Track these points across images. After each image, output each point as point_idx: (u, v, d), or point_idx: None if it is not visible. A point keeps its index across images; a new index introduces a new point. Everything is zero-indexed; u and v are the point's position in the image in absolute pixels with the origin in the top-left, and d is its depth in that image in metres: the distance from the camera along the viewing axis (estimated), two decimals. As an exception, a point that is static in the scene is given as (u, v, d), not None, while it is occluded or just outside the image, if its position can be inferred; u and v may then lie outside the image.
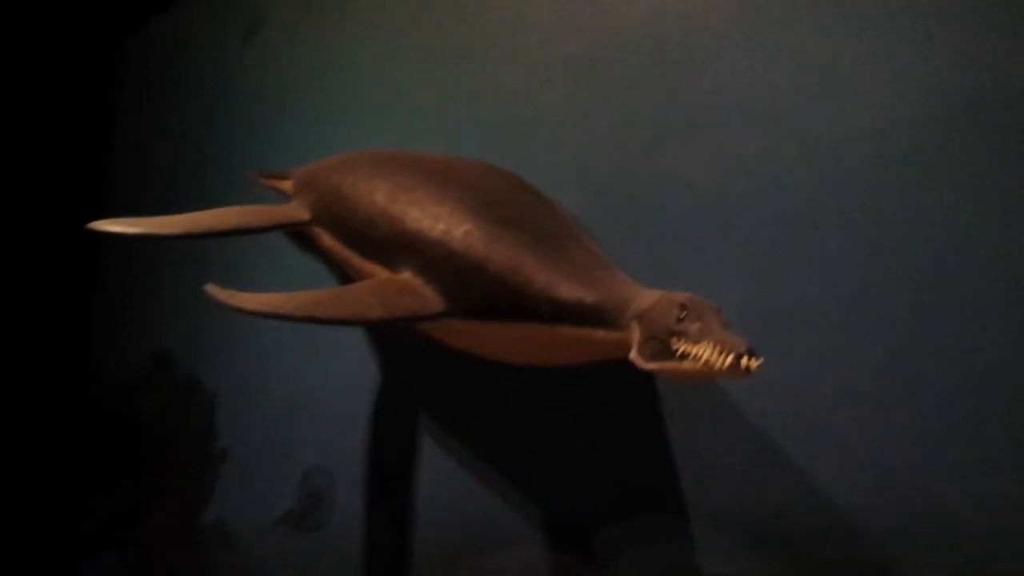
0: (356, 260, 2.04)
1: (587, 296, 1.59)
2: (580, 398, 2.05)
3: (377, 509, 2.44)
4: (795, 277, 1.77)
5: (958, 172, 1.61)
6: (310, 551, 2.56)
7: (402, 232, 1.86)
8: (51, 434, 3.57)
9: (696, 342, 1.33)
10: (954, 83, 1.64)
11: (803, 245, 1.78)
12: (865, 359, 1.65)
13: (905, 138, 1.69)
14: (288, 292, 1.70)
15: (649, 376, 1.92)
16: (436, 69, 2.66)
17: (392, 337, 2.52)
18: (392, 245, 1.89)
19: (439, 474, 2.30)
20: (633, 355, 1.46)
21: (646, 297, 1.53)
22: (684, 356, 1.35)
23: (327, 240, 2.19)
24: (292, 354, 2.81)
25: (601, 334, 1.56)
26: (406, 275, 1.84)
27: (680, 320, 1.39)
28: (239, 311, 1.63)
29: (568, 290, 1.61)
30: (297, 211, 2.31)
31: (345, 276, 2.28)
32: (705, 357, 1.29)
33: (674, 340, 1.38)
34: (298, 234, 2.81)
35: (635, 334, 1.48)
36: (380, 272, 1.94)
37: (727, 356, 1.26)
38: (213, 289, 1.66)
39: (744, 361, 1.24)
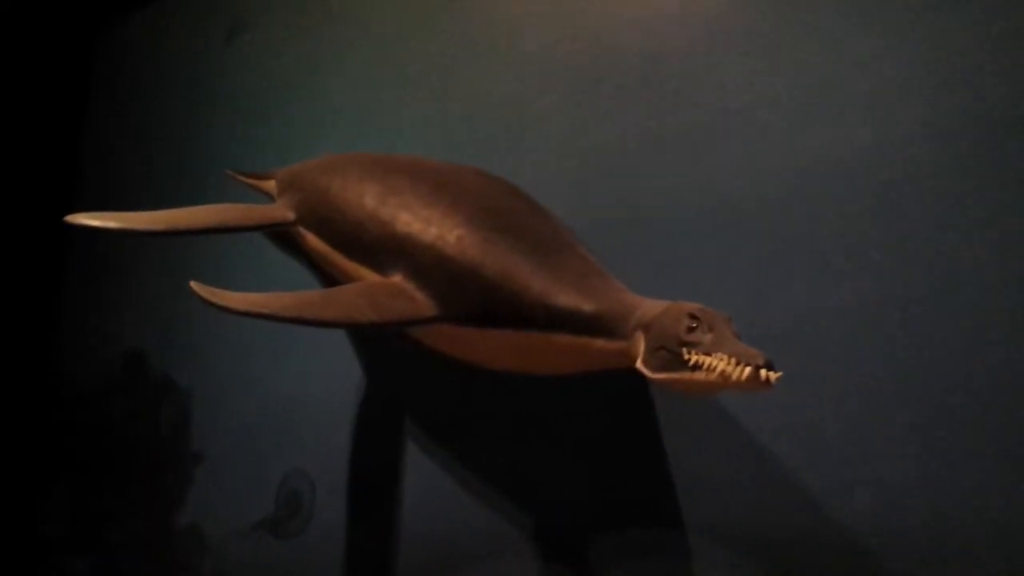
0: (343, 262, 2.02)
1: (585, 305, 1.57)
2: (569, 407, 2.02)
3: (358, 518, 2.38)
4: (794, 291, 1.76)
5: (959, 189, 1.62)
6: (287, 559, 2.50)
7: (392, 235, 1.84)
8: (14, 432, 3.48)
9: (710, 353, 1.31)
10: (955, 100, 1.65)
11: (802, 259, 1.77)
12: (864, 374, 1.65)
13: (907, 154, 1.69)
14: (275, 292, 1.67)
15: (641, 386, 1.91)
16: (426, 74, 2.63)
17: (377, 341, 2.48)
18: (381, 248, 1.86)
19: (424, 483, 2.26)
20: (639, 365, 1.44)
21: (651, 306, 1.51)
22: (697, 367, 1.32)
23: (312, 241, 2.16)
24: (271, 356, 2.75)
25: (600, 343, 1.54)
26: (396, 278, 1.81)
27: (691, 330, 1.37)
28: (226, 310, 1.58)
29: (565, 298, 1.59)
30: (282, 211, 2.28)
31: (329, 278, 2.24)
32: (721, 368, 1.26)
33: (685, 350, 1.35)
34: (280, 235, 2.77)
35: (640, 344, 1.45)
36: (367, 275, 1.91)
37: (745, 368, 1.23)
38: (198, 287, 1.61)
39: (764, 373, 1.22)
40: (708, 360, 1.30)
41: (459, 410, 2.24)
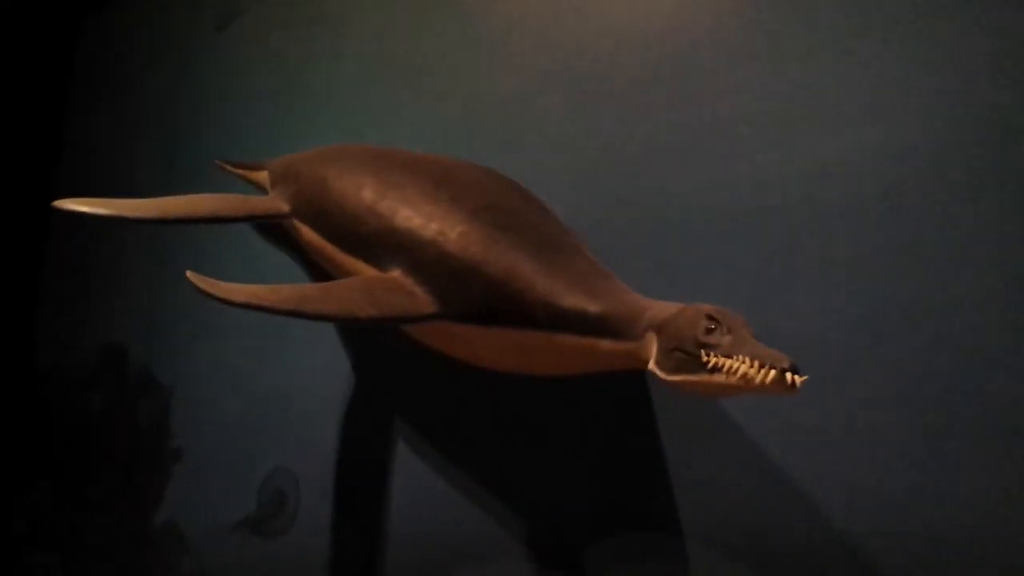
0: (338, 256, 1.98)
1: (591, 305, 1.55)
2: (562, 406, 2.00)
3: (344, 518, 2.34)
4: (796, 294, 1.75)
5: (965, 192, 1.61)
6: (269, 558, 2.45)
7: (391, 230, 1.81)
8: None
9: (730, 355, 1.29)
10: (967, 105, 1.65)
11: (805, 262, 1.76)
12: (867, 378, 1.64)
13: (912, 157, 1.68)
14: (273, 284, 1.63)
15: (639, 387, 1.89)
16: (424, 68, 2.60)
17: (367, 336, 2.44)
18: (379, 243, 1.83)
19: (412, 483, 2.22)
20: (652, 366, 1.42)
21: (663, 308, 1.49)
22: (716, 369, 1.30)
23: (307, 234, 2.12)
24: (257, 350, 2.70)
25: (607, 344, 1.52)
26: (395, 273, 1.78)
27: (710, 331, 1.34)
28: (224, 302, 1.54)
29: (571, 298, 1.56)
30: (276, 203, 2.24)
31: (322, 272, 2.19)
32: (742, 371, 1.24)
33: (703, 352, 1.33)
34: (270, 227, 2.73)
35: (652, 345, 1.43)
36: (364, 269, 1.88)
37: (770, 371, 1.21)
38: (195, 277, 1.56)
39: (790, 377, 1.20)
40: (728, 363, 1.28)
41: (449, 408, 2.20)
